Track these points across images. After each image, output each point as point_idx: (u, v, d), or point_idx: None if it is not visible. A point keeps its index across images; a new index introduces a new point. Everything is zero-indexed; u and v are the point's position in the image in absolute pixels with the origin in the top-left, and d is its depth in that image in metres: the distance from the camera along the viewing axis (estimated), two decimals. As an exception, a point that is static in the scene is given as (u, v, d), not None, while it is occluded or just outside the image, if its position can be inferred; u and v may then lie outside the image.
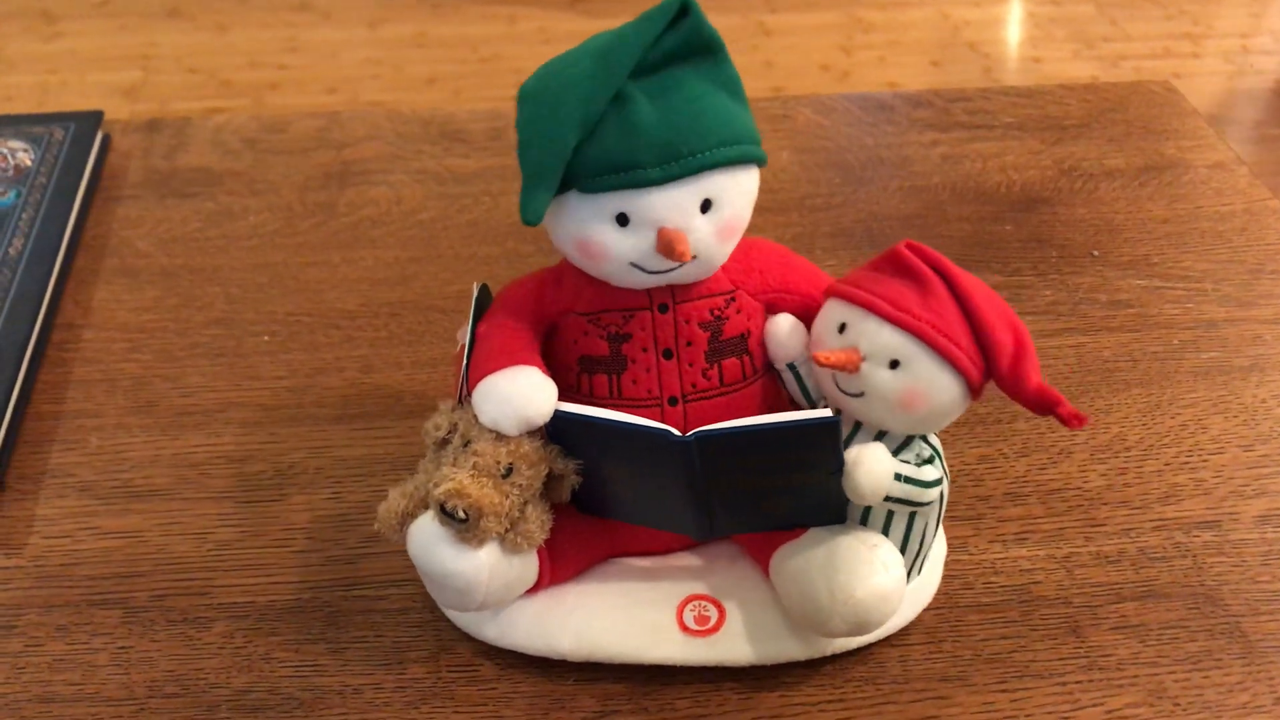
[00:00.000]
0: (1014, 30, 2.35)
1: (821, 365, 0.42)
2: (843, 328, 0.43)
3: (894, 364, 0.42)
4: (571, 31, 2.28)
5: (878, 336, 0.42)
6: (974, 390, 0.43)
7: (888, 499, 0.43)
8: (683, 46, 0.42)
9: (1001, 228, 0.73)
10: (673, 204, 0.42)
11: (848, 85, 2.13)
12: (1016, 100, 0.86)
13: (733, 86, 0.43)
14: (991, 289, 0.43)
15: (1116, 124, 0.83)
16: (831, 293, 0.45)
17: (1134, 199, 0.76)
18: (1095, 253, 0.71)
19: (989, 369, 0.43)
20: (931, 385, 0.42)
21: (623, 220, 0.42)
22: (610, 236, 0.42)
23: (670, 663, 0.47)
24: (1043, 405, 0.42)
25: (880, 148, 0.81)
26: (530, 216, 0.42)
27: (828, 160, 0.80)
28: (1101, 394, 0.61)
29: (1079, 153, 0.80)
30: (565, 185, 0.42)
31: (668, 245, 0.42)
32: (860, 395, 0.43)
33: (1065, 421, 0.42)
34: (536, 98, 0.42)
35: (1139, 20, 2.36)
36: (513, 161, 0.85)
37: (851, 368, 0.42)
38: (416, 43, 2.26)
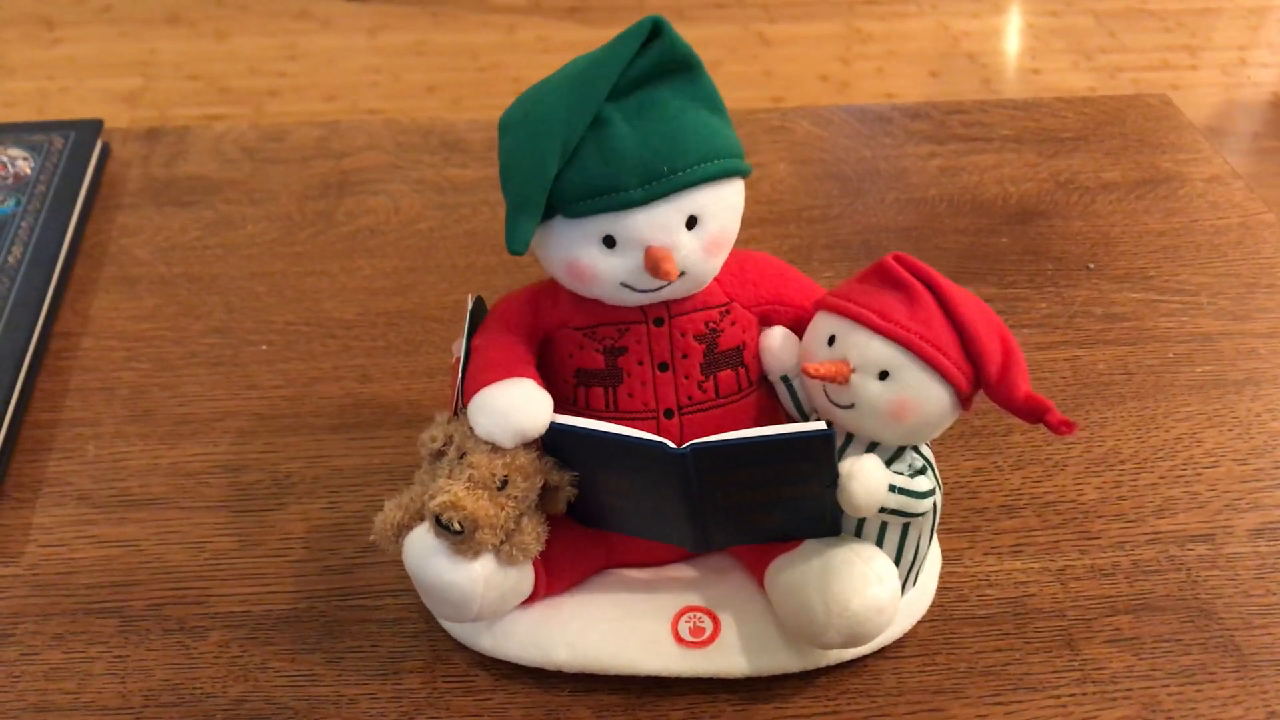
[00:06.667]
0: (1013, 41, 2.36)
1: (811, 377, 0.43)
2: (832, 340, 0.44)
3: (883, 375, 0.42)
4: (570, 40, 2.29)
5: (867, 348, 0.42)
6: (964, 400, 0.43)
7: (882, 510, 0.43)
8: (657, 66, 0.42)
9: (998, 240, 0.74)
10: (657, 223, 0.42)
11: (846, 95, 2.13)
12: (1013, 113, 0.86)
13: (711, 101, 0.43)
14: (980, 299, 0.44)
15: (1113, 137, 0.84)
16: (820, 305, 0.45)
17: (1130, 212, 0.76)
18: (1091, 265, 0.71)
19: (978, 378, 0.43)
20: (921, 395, 0.42)
21: (609, 242, 0.42)
22: (598, 258, 0.43)
23: (665, 674, 0.47)
24: (1032, 413, 0.42)
25: (877, 160, 0.81)
26: (516, 246, 0.42)
27: (825, 172, 0.80)
28: (1096, 407, 0.61)
29: (1075, 165, 0.81)
30: (550, 211, 0.42)
31: (654, 264, 0.42)
32: (850, 407, 0.43)
33: (1054, 429, 0.42)
34: (516, 127, 0.42)
35: (1137, 32, 2.37)
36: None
37: (841, 379, 0.42)
38: (416, 51, 2.27)
